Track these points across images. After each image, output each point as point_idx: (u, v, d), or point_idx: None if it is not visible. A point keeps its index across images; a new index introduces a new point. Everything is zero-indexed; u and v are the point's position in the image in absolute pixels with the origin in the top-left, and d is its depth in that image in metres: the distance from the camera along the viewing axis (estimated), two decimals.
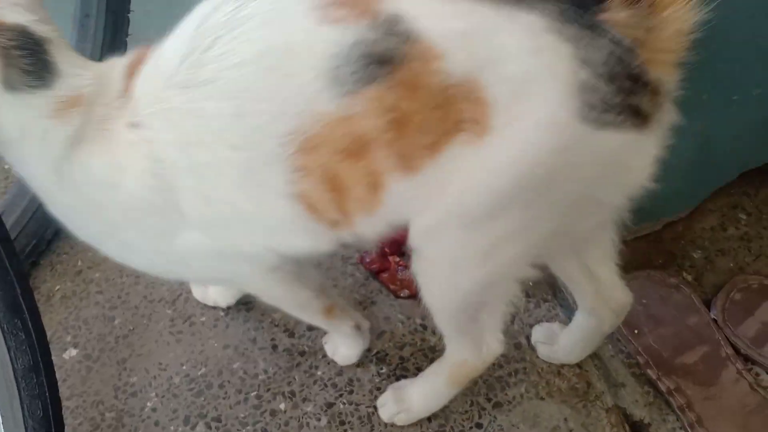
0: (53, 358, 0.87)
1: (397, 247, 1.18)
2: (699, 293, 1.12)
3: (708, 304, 1.10)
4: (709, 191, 1.23)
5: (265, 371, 1.07)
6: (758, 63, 0.98)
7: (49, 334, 0.97)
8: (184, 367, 1.07)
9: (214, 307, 1.14)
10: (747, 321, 1.07)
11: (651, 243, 1.21)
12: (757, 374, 1.04)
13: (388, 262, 1.16)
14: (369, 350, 1.09)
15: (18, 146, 0.74)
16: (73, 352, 1.09)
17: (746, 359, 1.05)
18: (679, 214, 1.22)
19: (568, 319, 1.11)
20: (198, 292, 1.14)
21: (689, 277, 1.16)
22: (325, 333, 1.09)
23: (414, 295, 1.13)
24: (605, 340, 1.08)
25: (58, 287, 1.17)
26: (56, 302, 1.15)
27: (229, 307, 1.14)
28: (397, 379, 1.05)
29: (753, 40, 0.94)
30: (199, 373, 1.06)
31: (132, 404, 1.05)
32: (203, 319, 1.13)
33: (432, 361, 1.07)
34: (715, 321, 1.08)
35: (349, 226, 0.72)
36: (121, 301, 1.15)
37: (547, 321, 1.11)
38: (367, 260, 1.18)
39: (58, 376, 1.04)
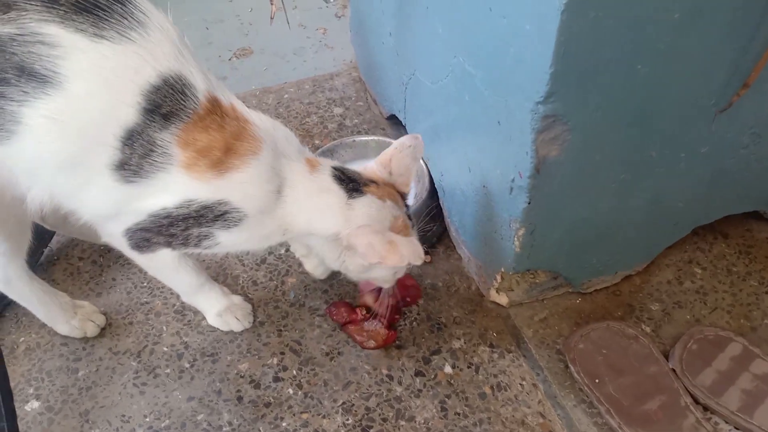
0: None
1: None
2: (657, 344, 1.14)
3: (666, 355, 1.13)
4: (664, 246, 1.27)
5: (230, 423, 1.06)
6: (701, 122, 1.03)
7: (11, 386, 0.96)
8: (147, 419, 1.06)
9: (180, 359, 1.14)
10: (705, 371, 1.10)
11: (610, 295, 1.24)
12: (717, 423, 1.06)
13: (354, 314, 1.18)
14: (335, 401, 1.09)
15: None
16: (35, 404, 1.08)
17: (705, 408, 1.07)
18: (636, 267, 1.26)
19: (531, 370, 1.13)
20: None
21: (648, 329, 1.19)
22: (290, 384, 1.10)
23: (380, 346, 1.15)
24: (568, 389, 1.10)
25: (22, 339, 1.16)
26: (20, 354, 1.14)
27: (195, 358, 1.14)
28: (363, 429, 1.05)
29: (695, 99, 0.99)
30: (163, 426, 1.05)
31: None
32: (168, 371, 1.12)
33: (398, 411, 1.08)
34: (673, 371, 1.10)
35: None
36: (85, 353, 1.14)
37: (510, 371, 1.13)
38: (335, 312, 1.19)
39: (19, 428, 1.03)
